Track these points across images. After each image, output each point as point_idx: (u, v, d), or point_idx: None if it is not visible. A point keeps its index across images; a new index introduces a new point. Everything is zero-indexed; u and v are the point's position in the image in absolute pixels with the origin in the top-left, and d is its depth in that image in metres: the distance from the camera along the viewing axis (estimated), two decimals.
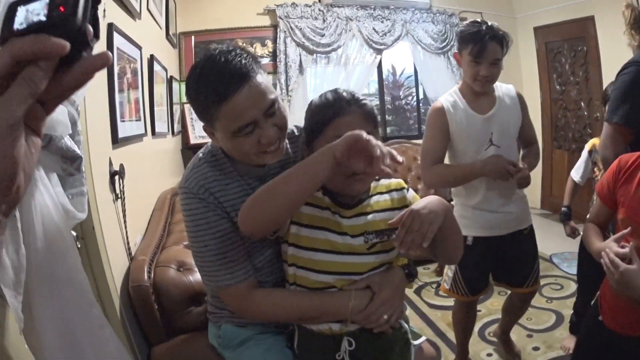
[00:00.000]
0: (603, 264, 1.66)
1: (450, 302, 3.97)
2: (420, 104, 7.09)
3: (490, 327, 3.54)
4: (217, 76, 1.35)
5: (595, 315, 1.93)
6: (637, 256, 1.59)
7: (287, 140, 1.57)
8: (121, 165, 2.21)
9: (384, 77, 8.07)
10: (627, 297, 1.68)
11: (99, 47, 1.48)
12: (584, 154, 3.15)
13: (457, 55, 2.54)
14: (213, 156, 1.55)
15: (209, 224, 1.46)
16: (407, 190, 1.60)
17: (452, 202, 2.85)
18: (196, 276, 2.08)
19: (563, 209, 3.20)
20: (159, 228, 2.67)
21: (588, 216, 2.03)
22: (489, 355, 3.20)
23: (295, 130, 1.71)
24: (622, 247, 1.65)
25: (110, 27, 2.33)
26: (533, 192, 6.18)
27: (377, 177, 1.55)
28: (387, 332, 1.50)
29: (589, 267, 2.56)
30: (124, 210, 2.23)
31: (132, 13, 2.92)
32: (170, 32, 4.87)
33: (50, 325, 1.15)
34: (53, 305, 1.14)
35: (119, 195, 2.20)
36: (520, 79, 6.43)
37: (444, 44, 6.21)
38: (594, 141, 3.07)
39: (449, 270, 2.83)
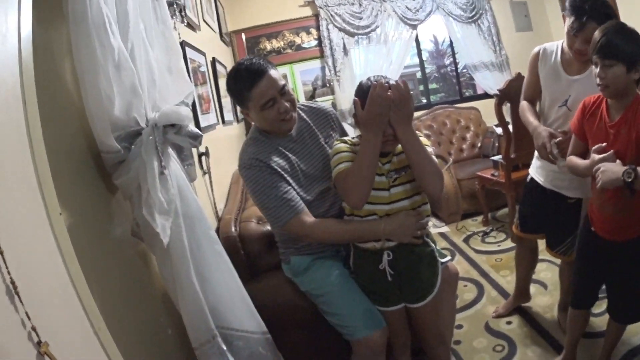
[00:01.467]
0: (594, 170, 2.05)
1: (493, 247, 4.49)
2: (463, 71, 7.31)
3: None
4: (246, 72, 2.05)
5: (588, 227, 2.37)
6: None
7: (301, 112, 2.29)
8: (206, 148, 2.82)
9: (428, 47, 8.48)
10: (606, 201, 2.15)
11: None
12: None
13: (564, 16, 2.45)
14: (254, 139, 2.20)
15: (265, 179, 2.09)
16: None
17: None
18: None
19: None
20: (238, 196, 3.23)
21: (569, 150, 2.39)
22: None
23: (314, 106, 2.39)
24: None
25: (182, 43, 2.87)
26: None
27: None
28: (418, 242, 2.06)
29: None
30: (210, 182, 2.84)
31: (193, 27, 3.47)
32: (223, 33, 5.34)
33: (180, 249, 1.73)
34: (184, 232, 1.74)
35: (206, 171, 2.81)
36: (552, 39, 6.29)
37: (473, 13, 6.39)
38: None
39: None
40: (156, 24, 1.92)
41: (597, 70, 2.07)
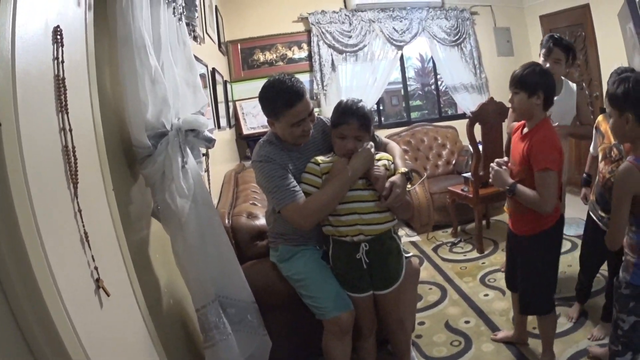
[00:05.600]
0: (490, 169, 2.67)
1: (459, 257, 4.90)
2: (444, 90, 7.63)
3: (489, 275, 4.35)
4: (288, 92, 2.36)
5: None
6: None
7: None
8: (207, 150, 3.18)
9: (413, 65, 8.90)
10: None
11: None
12: (594, 129, 3.32)
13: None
14: (270, 141, 2.54)
15: (275, 170, 2.41)
16: (392, 163, 2.59)
17: None
18: (260, 221, 2.94)
19: (583, 175, 3.51)
20: (230, 194, 3.62)
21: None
22: (486, 295, 3.97)
23: (324, 119, 2.71)
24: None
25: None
26: None
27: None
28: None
29: (590, 251, 3.31)
30: (209, 180, 3.20)
31: (198, 41, 3.81)
32: (221, 43, 5.69)
33: (192, 228, 2.12)
34: (193, 214, 2.13)
35: (206, 170, 3.17)
36: None
37: (457, 37, 6.79)
38: (599, 118, 3.26)
39: None
40: (177, 44, 2.32)
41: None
